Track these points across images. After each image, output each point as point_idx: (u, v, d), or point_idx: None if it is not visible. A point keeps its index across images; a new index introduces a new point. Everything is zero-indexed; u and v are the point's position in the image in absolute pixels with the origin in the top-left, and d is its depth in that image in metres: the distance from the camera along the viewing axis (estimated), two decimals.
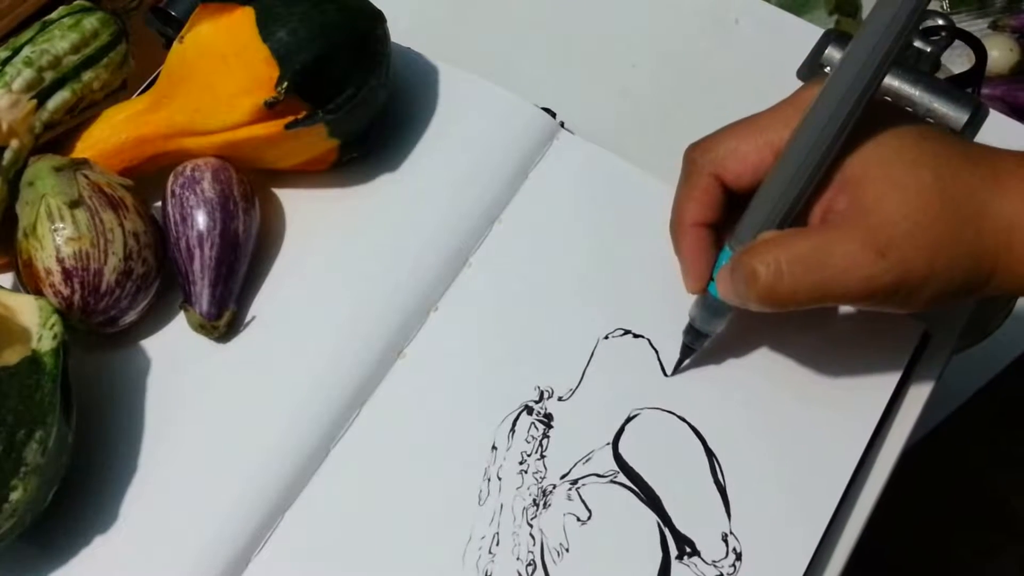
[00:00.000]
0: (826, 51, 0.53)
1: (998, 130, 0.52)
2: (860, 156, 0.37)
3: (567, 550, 0.41)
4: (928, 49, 0.54)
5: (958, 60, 0.83)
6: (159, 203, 0.46)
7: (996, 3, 1.07)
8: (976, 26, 1.07)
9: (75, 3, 0.48)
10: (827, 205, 0.38)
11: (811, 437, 0.43)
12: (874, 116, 0.37)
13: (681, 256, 0.42)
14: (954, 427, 0.99)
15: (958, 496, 1.07)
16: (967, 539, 1.06)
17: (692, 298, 0.43)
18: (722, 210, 0.41)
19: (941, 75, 0.58)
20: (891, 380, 0.43)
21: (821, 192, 0.38)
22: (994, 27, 1.06)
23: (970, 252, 0.36)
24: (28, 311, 0.41)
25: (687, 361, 0.44)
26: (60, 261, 0.41)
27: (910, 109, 0.51)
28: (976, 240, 0.36)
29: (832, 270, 0.36)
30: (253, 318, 0.46)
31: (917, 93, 0.52)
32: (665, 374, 0.44)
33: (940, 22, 0.54)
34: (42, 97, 0.45)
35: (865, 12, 1.06)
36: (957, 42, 0.58)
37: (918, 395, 0.44)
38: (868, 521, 0.42)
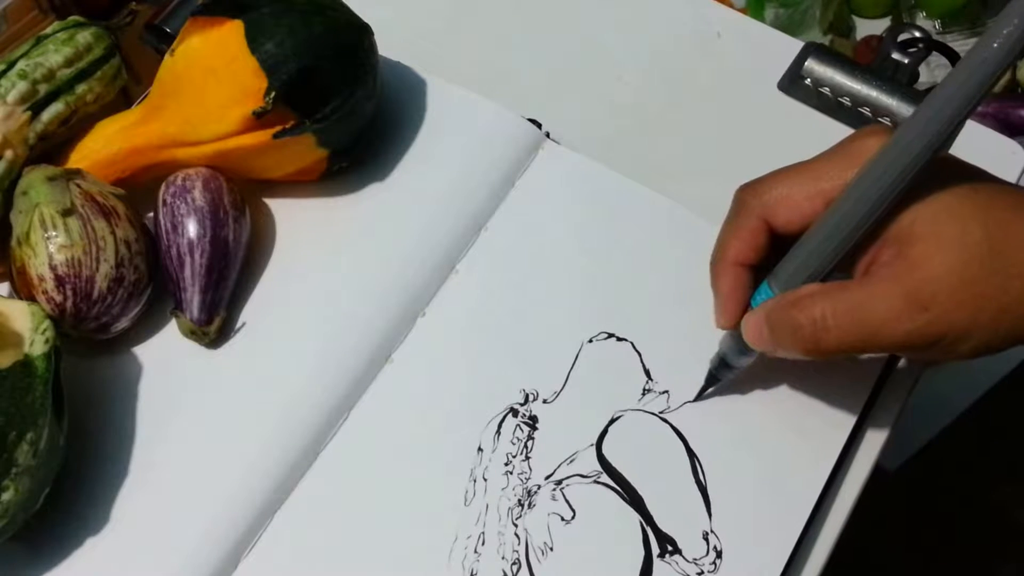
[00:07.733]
0: (806, 63, 0.54)
1: (984, 143, 0.53)
2: (909, 212, 0.37)
3: (551, 549, 0.41)
4: (906, 60, 0.55)
5: (936, 71, 0.85)
6: (152, 213, 0.47)
7: (986, 23, 1.09)
8: (967, 46, 1.08)
9: (69, 18, 0.49)
10: (872, 257, 0.38)
11: (790, 437, 0.43)
12: (926, 169, 0.36)
13: (718, 292, 0.42)
14: (953, 438, 0.99)
15: (957, 506, 1.07)
16: (966, 549, 1.06)
17: (678, 304, 0.43)
18: (765, 252, 0.41)
19: (919, 86, 0.59)
20: (870, 380, 0.44)
21: (868, 245, 0.38)
22: None
23: (1017, 305, 0.36)
24: (21, 317, 0.41)
25: (711, 389, 0.44)
26: (53, 268, 0.42)
27: (888, 119, 0.53)
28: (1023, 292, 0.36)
29: (876, 323, 0.36)
30: (243, 324, 0.47)
31: (895, 103, 0.53)
32: (649, 378, 0.45)
33: (917, 34, 0.55)
34: (36, 109, 0.46)
35: (859, 33, 1.07)
36: (936, 54, 0.59)
37: (897, 394, 0.45)
38: (849, 521, 0.43)
